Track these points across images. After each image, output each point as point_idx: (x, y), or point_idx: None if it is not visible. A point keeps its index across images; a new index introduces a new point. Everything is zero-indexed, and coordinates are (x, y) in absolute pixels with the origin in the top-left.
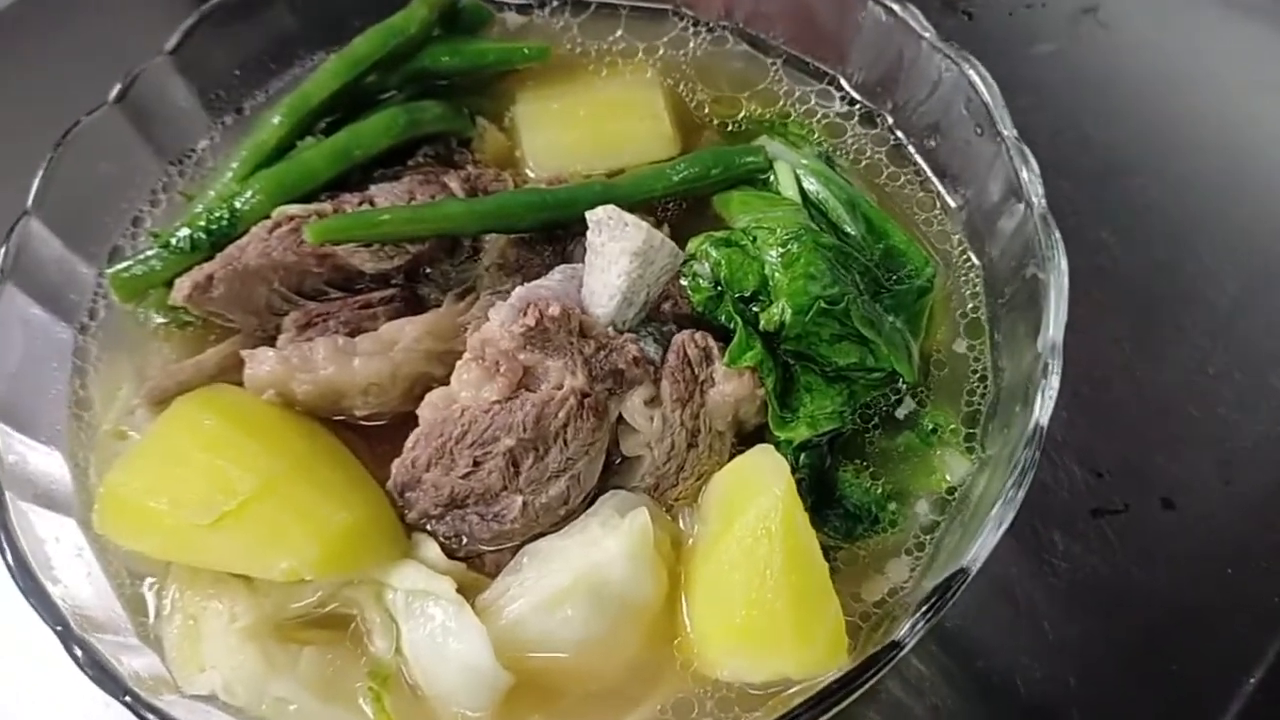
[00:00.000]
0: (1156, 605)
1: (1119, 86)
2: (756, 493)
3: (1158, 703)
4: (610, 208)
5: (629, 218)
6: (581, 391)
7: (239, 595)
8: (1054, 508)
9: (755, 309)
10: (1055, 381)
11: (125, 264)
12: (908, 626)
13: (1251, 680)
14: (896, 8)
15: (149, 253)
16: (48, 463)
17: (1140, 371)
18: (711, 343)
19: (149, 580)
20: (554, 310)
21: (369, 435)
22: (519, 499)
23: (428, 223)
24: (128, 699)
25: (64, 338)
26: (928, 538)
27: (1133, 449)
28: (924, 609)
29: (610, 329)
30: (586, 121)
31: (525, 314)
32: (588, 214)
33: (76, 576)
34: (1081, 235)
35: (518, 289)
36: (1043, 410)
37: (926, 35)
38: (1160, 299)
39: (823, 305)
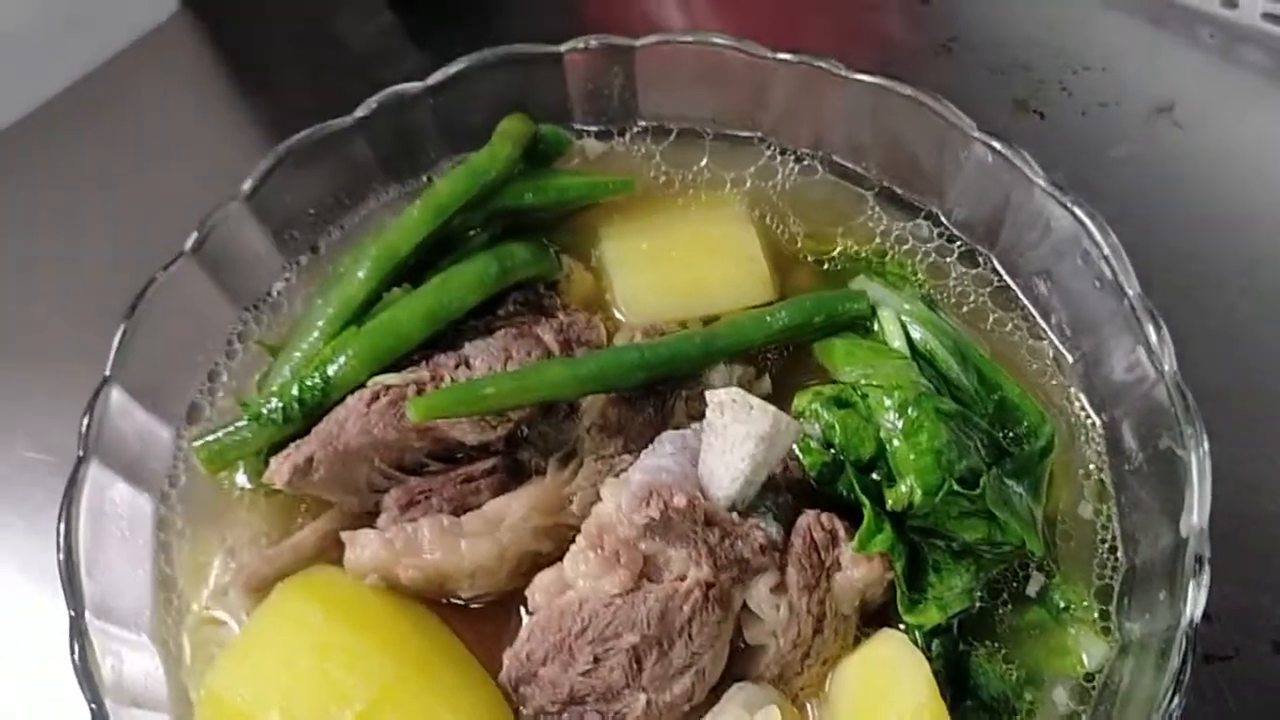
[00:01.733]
0: None
1: (1198, 189)
2: (895, 696)
3: None
4: (735, 390)
5: (754, 401)
6: (707, 583)
7: None
8: None
9: (875, 477)
10: (1206, 577)
11: (214, 436)
12: None
13: None
14: (1003, 149)
15: (239, 424)
16: (139, 655)
17: (1244, 512)
18: (838, 525)
19: None
20: (679, 501)
21: (471, 614)
22: (643, 697)
23: (531, 391)
24: None
25: (146, 510)
26: None
27: (1241, 592)
28: None
29: (734, 515)
30: (679, 263)
31: (649, 504)
32: (709, 395)
33: None
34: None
35: (637, 474)
36: (1195, 604)
37: (1039, 181)
38: (1259, 422)
39: (953, 486)
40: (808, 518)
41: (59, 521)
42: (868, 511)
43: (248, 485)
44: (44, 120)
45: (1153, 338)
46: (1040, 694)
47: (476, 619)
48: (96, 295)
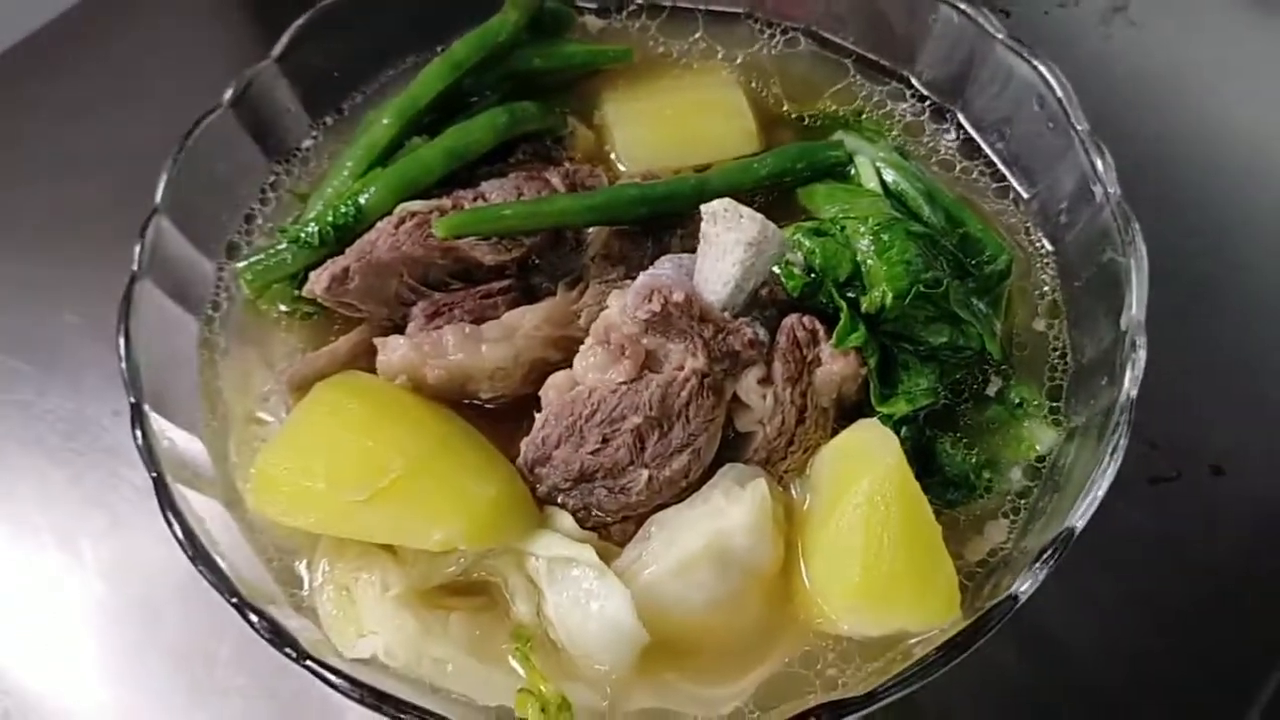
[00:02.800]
0: (1208, 565)
1: (1150, 83)
2: (869, 463)
3: (1210, 668)
4: (728, 201)
5: (745, 210)
6: (702, 372)
7: (388, 566)
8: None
9: (851, 294)
10: (1143, 355)
11: (257, 258)
12: (1022, 581)
13: None
14: (968, 8)
15: (280, 247)
16: (192, 447)
17: (1186, 349)
18: (818, 325)
19: (297, 556)
20: (678, 296)
21: (492, 416)
22: (645, 472)
23: (544, 217)
24: (308, 663)
25: (192, 330)
26: (1022, 502)
27: (1182, 421)
28: (1038, 563)
29: (725, 314)
30: (673, 120)
31: (650, 300)
32: (703, 207)
33: (233, 553)
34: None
35: (641, 277)
36: (1132, 382)
37: (999, 35)
38: (1207, 276)
39: (922, 289)
40: (791, 319)
41: (118, 327)
42: (845, 313)
43: (285, 309)
44: (76, 21)
45: (1099, 165)
46: (997, 474)
47: (497, 419)
48: (128, 180)
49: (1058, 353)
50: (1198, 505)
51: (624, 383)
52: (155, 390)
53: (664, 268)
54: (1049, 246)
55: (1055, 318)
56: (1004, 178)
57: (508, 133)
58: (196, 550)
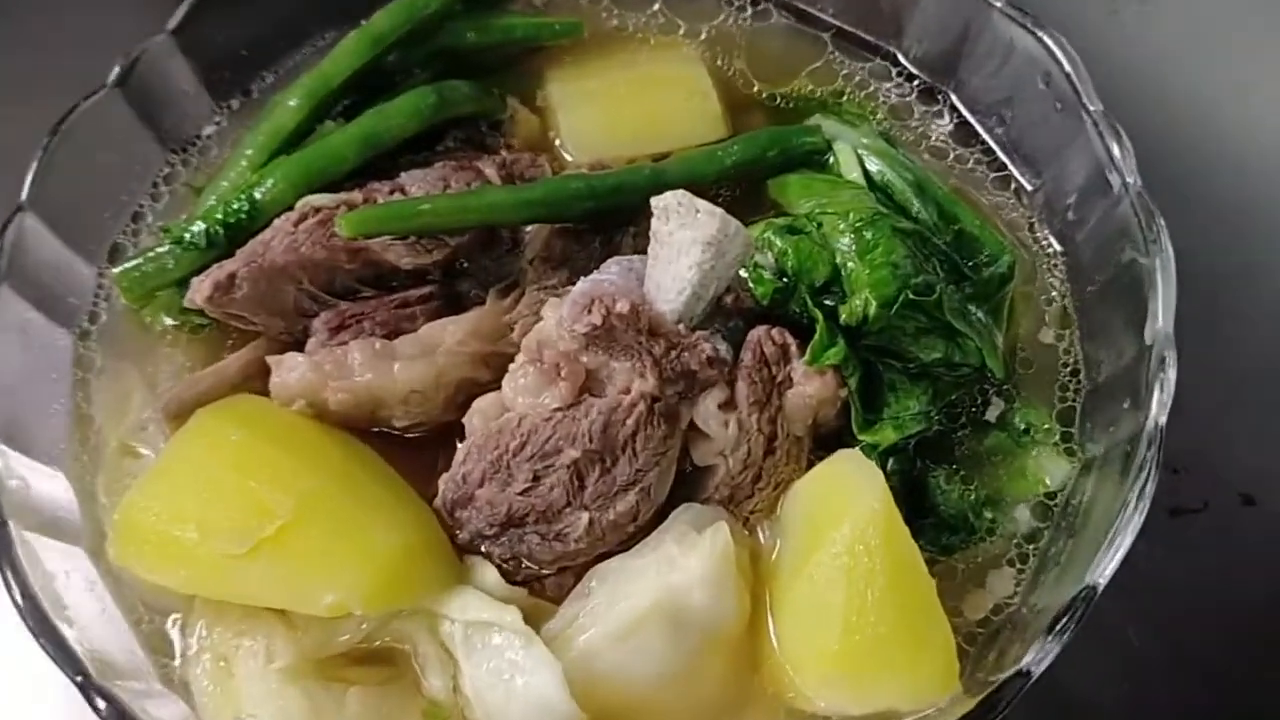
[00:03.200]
0: (1242, 608)
1: (1160, 65)
2: (850, 503)
3: (1245, 711)
4: (680, 193)
5: (701, 204)
6: (652, 396)
7: (275, 631)
8: None
9: (829, 302)
10: (1173, 375)
11: (134, 262)
12: (1035, 652)
13: None
14: None
15: (160, 250)
16: (51, 486)
17: (1210, 361)
18: (790, 339)
19: (172, 617)
20: (622, 307)
21: (408, 448)
22: (585, 515)
23: (471, 212)
24: None
25: (63, 345)
26: (1030, 547)
27: (1208, 443)
28: (1053, 631)
29: (680, 327)
30: (627, 101)
31: (589, 311)
32: (654, 200)
33: (90, 615)
34: None
35: (580, 284)
36: (1160, 408)
37: (998, 4)
38: (1226, 286)
39: (910, 296)
40: (758, 332)
41: None
42: (820, 325)
43: (172, 323)
44: None
45: (1115, 151)
46: (1001, 513)
47: (414, 451)
48: (16, 124)
49: (1069, 370)
50: (1228, 539)
51: (559, 409)
52: (10, 417)
53: (610, 272)
54: (1057, 246)
55: (1066, 328)
56: (1004, 167)
57: (435, 116)
58: (35, 614)
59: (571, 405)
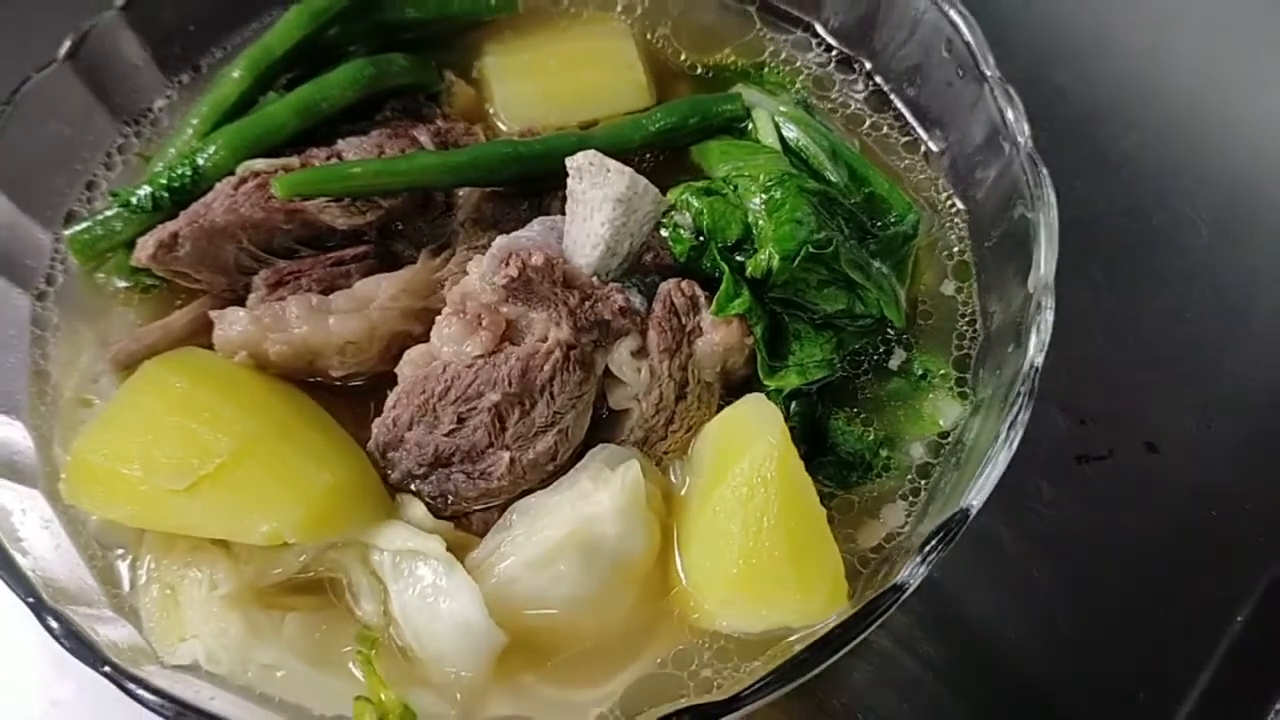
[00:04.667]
0: (1142, 549)
1: (1091, 33)
2: (750, 441)
3: (1147, 645)
4: (591, 153)
5: (611, 163)
6: (567, 344)
7: (218, 562)
8: (1038, 456)
9: (740, 258)
10: (1049, 318)
11: (84, 225)
12: (909, 569)
13: (1239, 619)
14: None
15: (109, 213)
16: (9, 432)
17: (1119, 318)
18: (699, 291)
19: (120, 550)
20: (537, 260)
21: (346, 397)
22: (506, 455)
23: (400, 175)
24: (107, 669)
25: (21, 305)
26: (922, 482)
27: (1115, 395)
28: (926, 550)
29: (594, 279)
30: (558, 72)
31: (507, 264)
32: (567, 160)
33: (45, 548)
34: (1055, 184)
35: (498, 240)
36: (1037, 349)
37: None
38: (1136, 245)
39: (810, 250)
40: (668, 284)
41: None
42: (727, 277)
43: (124, 284)
44: None
45: (1009, 114)
46: (897, 453)
47: (352, 401)
48: None
49: (966, 319)
50: (1132, 486)
51: (481, 356)
52: None
53: (532, 230)
54: (960, 205)
55: (965, 281)
56: (913, 131)
57: (372, 86)
58: None
59: (492, 353)
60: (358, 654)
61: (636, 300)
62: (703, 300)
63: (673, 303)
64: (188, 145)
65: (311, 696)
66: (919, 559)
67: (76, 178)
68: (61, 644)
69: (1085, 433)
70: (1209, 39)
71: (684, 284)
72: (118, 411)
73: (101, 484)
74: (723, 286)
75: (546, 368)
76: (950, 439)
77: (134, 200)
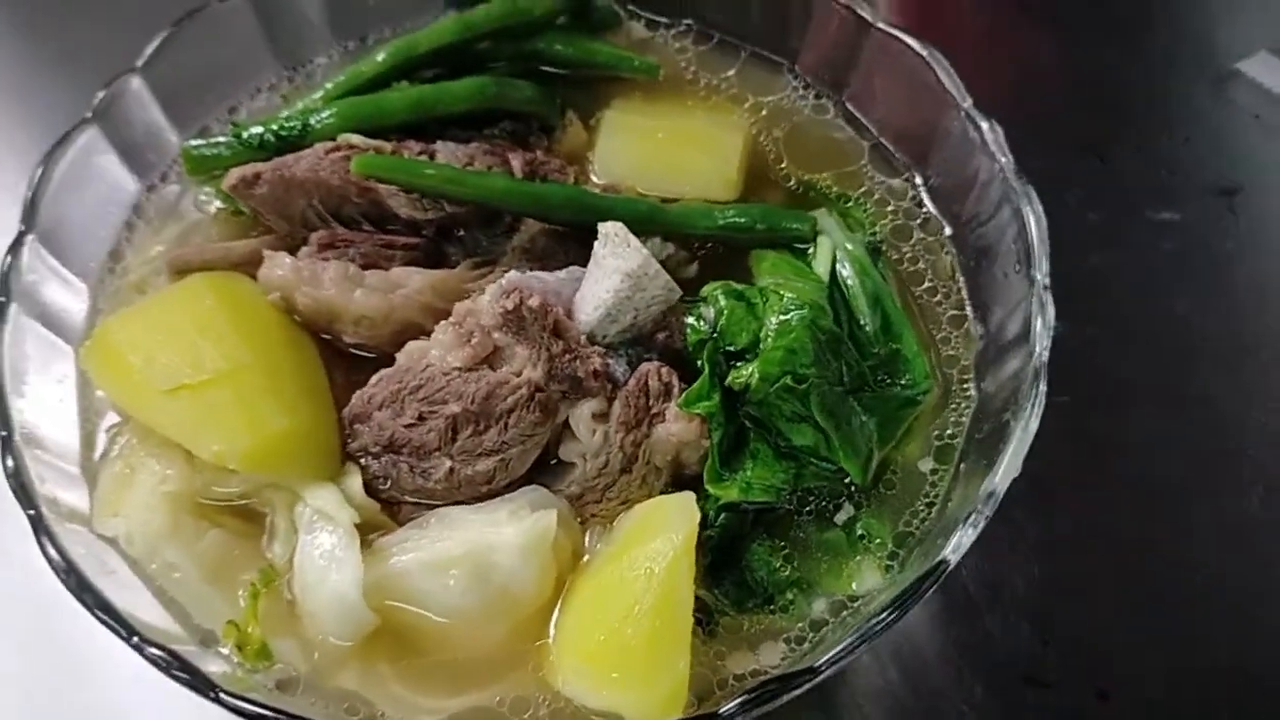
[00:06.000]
0: None
1: (1228, 275)
2: (657, 532)
3: None
4: (620, 225)
5: (633, 240)
6: (536, 385)
7: (179, 464)
8: (984, 661)
9: (737, 365)
10: (973, 530)
11: (201, 142)
12: (736, 703)
13: None
14: (985, 125)
15: (223, 139)
16: (69, 292)
17: (1114, 550)
18: (675, 381)
19: (109, 423)
20: (533, 301)
21: (352, 363)
22: (448, 463)
23: (467, 188)
24: (32, 513)
25: (130, 190)
26: (812, 634)
27: (1085, 628)
28: (754, 692)
29: (584, 337)
30: (662, 144)
31: (509, 296)
32: (600, 225)
33: (44, 397)
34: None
35: (510, 273)
36: (954, 549)
37: (1001, 160)
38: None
39: (788, 382)
40: (649, 365)
41: (49, 153)
42: (704, 378)
43: (220, 204)
44: None
45: (1038, 321)
46: (801, 598)
47: (356, 370)
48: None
49: (927, 500)
50: None
51: (459, 369)
52: (59, 225)
53: (558, 275)
54: (974, 392)
55: (944, 464)
56: (964, 307)
57: (491, 104)
58: None
59: (469, 370)
60: (251, 585)
61: (619, 369)
62: (676, 390)
63: (647, 383)
64: (313, 104)
65: (198, 606)
66: (746, 698)
67: (223, 100)
68: (8, 480)
69: (1045, 654)
70: None
71: (664, 370)
72: (152, 306)
73: (109, 361)
74: (696, 384)
75: (510, 399)
76: (857, 605)
77: (245, 135)
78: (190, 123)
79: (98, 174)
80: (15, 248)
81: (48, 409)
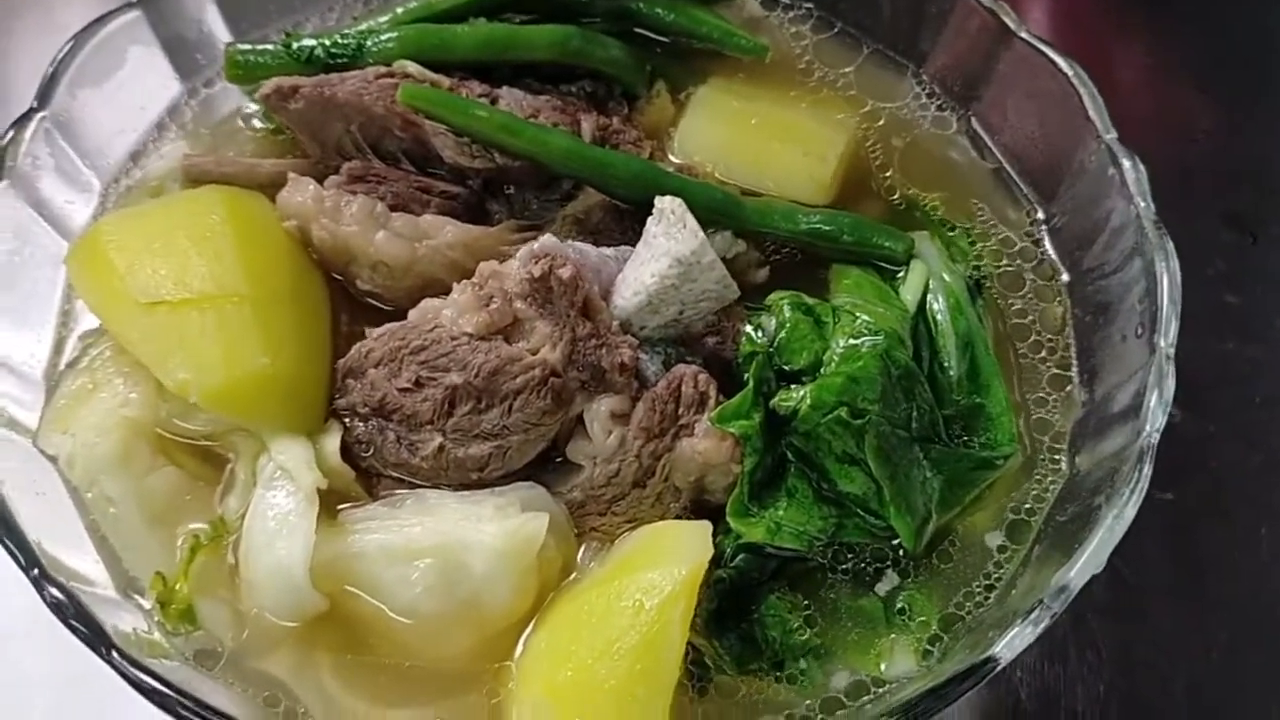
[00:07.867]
0: None
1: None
2: (658, 563)
3: None
4: (678, 201)
5: (690, 220)
6: (552, 368)
7: (145, 390)
8: None
9: (788, 385)
10: (1035, 627)
11: (247, 47)
12: None
13: None
14: (1127, 164)
15: (270, 46)
16: (74, 188)
17: (1197, 685)
18: (713, 392)
19: (82, 330)
20: (564, 272)
21: (360, 313)
22: (439, 439)
23: (523, 141)
24: None
25: (172, 89)
26: (820, 716)
27: None
28: None
29: (617, 324)
30: (753, 131)
31: (538, 262)
32: (657, 199)
33: (20, 282)
34: None
35: (544, 237)
36: (1008, 646)
37: (1140, 205)
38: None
39: (844, 415)
40: (686, 369)
41: (78, 36)
42: (747, 394)
43: (261, 123)
44: None
45: (1153, 396)
46: (816, 670)
47: (363, 320)
48: None
49: (987, 584)
50: None
51: (469, 335)
52: (83, 114)
53: (601, 250)
54: (1065, 467)
55: (1018, 544)
56: (1069, 368)
57: (570, 57)
58: None
59: (481, 338)
60: (191, 537)
61: (651, 367)
62: (713, 402)
63: (680, 388)
64: (376, 26)
65: (128, 548)
66: None
67: (289, 14)
68: None
69: None
70: None
71: (701, 376)
72: (153, 211)
73: (93, 261)
74: (736, 399)
75: (520, 379)
76: (878, 690)
77: (295, 46)
78: (250, 30)
79: (135, 65)
80: (20, 123)
81: (18, 304)
